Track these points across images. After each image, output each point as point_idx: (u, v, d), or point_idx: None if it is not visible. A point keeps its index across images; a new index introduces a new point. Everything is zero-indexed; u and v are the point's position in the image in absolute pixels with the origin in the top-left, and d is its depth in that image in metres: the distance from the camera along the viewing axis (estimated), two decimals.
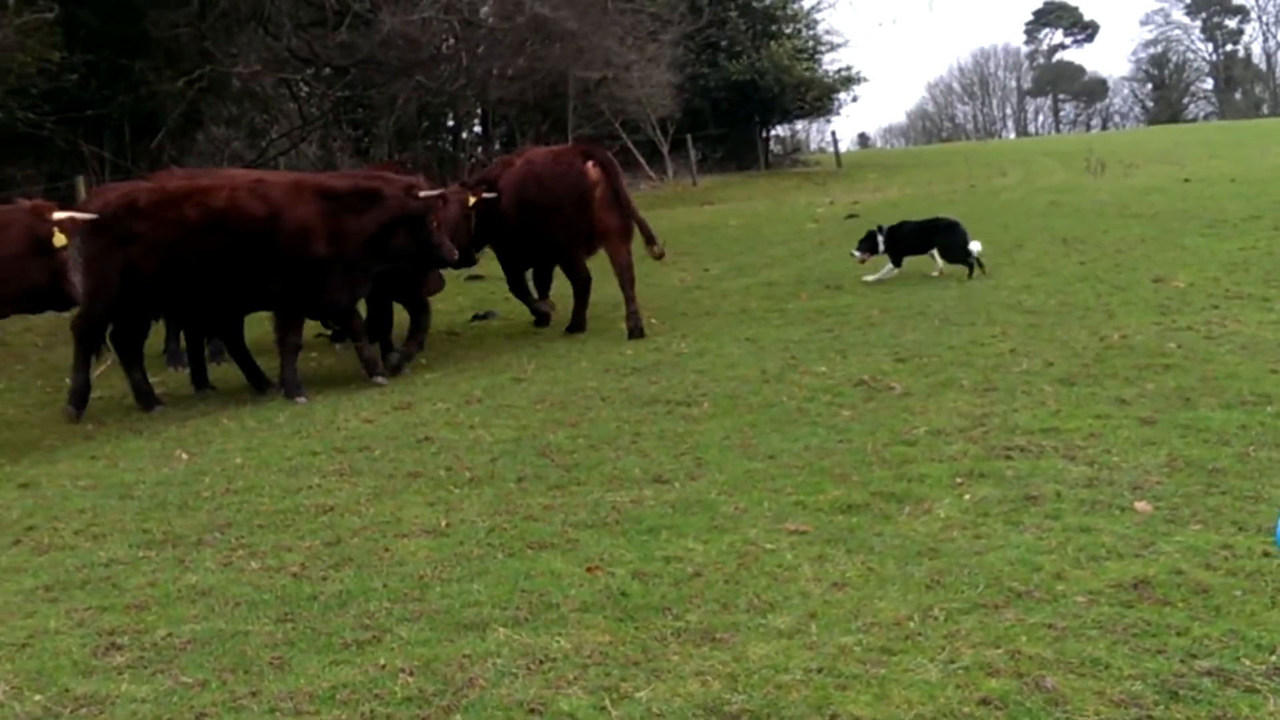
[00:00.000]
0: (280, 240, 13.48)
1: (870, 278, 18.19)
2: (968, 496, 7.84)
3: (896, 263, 18.38)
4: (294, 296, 13.83)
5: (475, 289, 22.27)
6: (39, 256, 12.21)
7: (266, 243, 13.46)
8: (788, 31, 57.49)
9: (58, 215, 12.39)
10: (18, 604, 7.19)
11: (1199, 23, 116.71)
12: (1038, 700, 5.09)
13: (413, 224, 13.86)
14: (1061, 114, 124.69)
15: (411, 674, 5.73)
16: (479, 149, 48.86)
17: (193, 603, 6.95)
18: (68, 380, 14.12)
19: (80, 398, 13.65)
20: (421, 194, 14.00)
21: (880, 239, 18.43)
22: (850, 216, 29.00)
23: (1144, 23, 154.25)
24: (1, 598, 7.33)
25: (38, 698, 5.80)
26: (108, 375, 16.02)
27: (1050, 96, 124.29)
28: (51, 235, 12.25)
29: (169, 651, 6.25)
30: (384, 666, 5.83)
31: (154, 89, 28.19)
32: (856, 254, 18.61)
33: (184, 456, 10.74)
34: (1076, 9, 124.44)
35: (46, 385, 16.14)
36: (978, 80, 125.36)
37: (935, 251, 18.18)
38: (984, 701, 5.10)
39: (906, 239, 18.43)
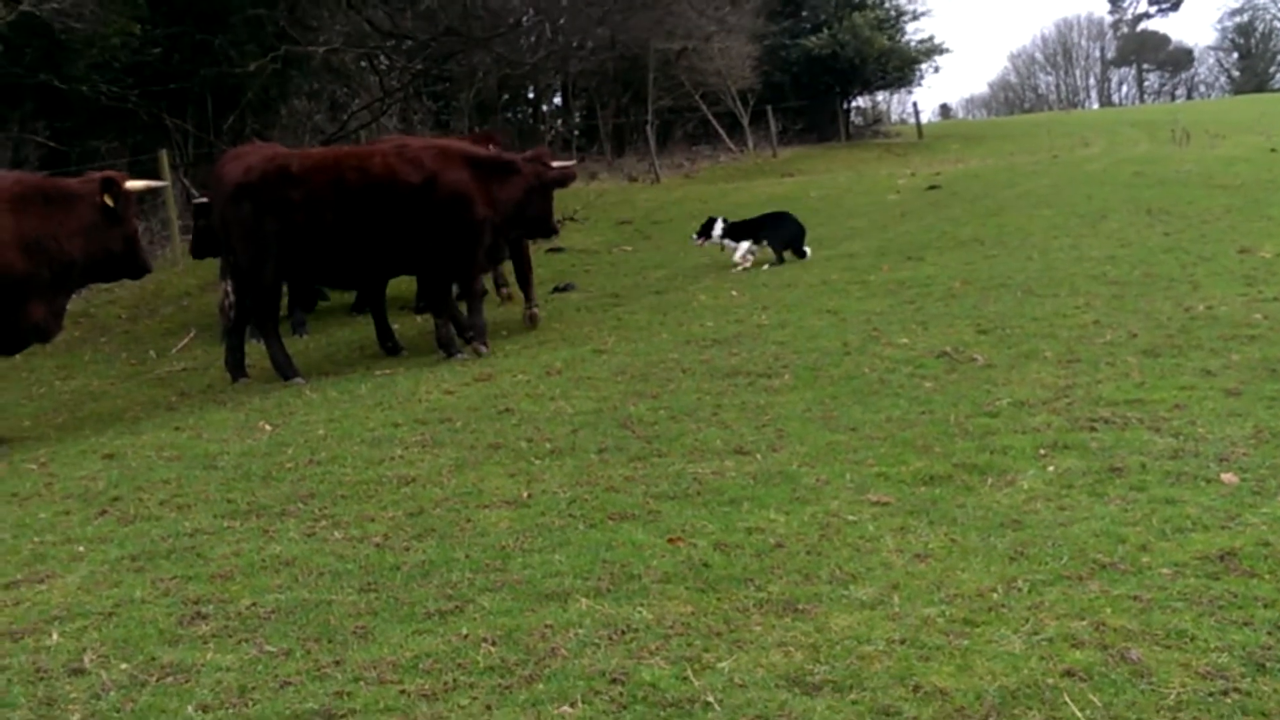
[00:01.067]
0: (440, 204, 13.66)
1: (740, 269, 19.30)
2: (1051, 468, 7.79)
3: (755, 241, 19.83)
4: (447, 260, 13.99)
5: (555, 261, 22.31)
6: (114, 225, 12.34)
7: (425, 207, 13.64)
8: (870, 1, 57.10)
9: (130, 185, 12.51)
10: (104, 573, 7.27)
11: None
12: (1123, 672, 5.05)
13: (545, 194, 14.43)
14: (1146, 84, 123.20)
15: (494, 643, 5.75)
16: (559, 121, 48.84)
17: (276, 572, 7.00)
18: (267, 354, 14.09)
19: (287, 369, 13.80)
20: (554, 165, 14.54)
21: (718, 227, 19.90)
22: (932, 188, 28.83)
23: None
24: (88, 567, 7.41)
25: (124, 666, 5.86)
26: (190, 347, 16.18)
27: (1134, 66, 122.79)
28: (117, 201, 12.39)
29: (253, 621, 6.31)
30: (466, 636, 5.86)
31: (236, 64, 28.32)
32: (722, 241, 19.87)
33: (267, 428, 10.81)
34: None
35: (130, 358, 16.33)
36: (1061, 50, 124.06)
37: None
38: (1068, 673, 5.07)
39: (744, 228, 19.95)
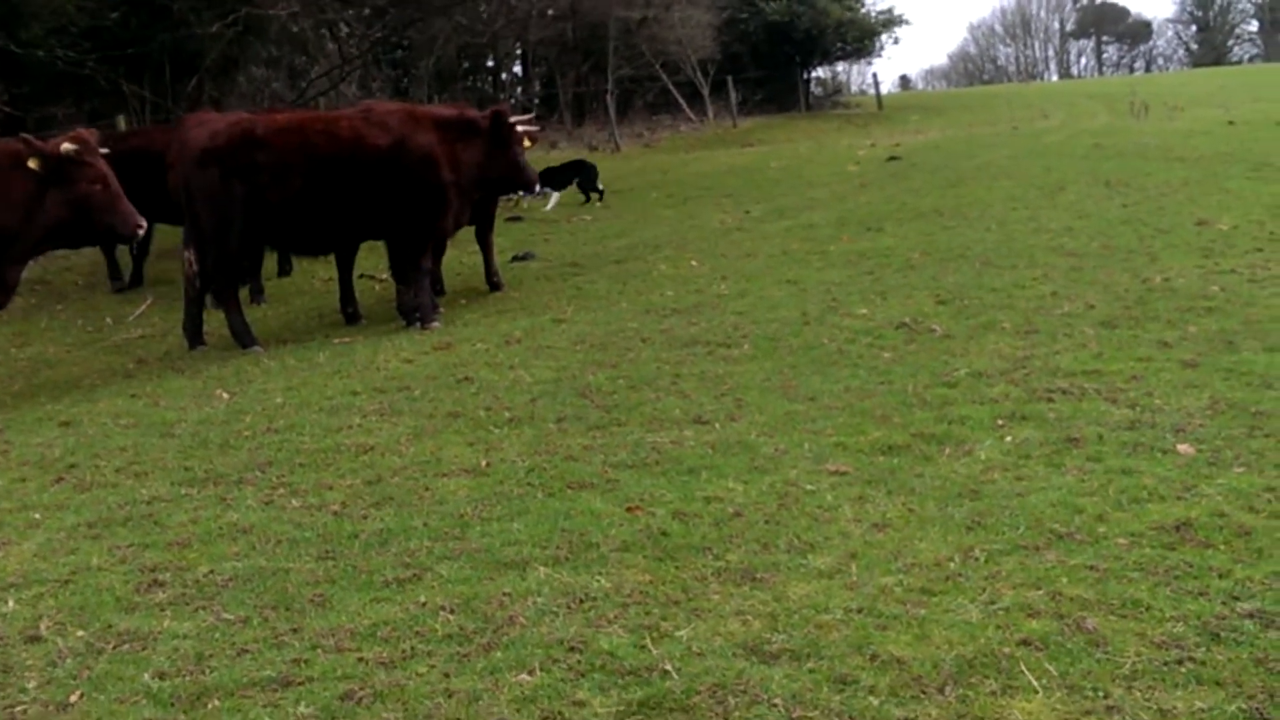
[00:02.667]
0: (407, 167, 13.61)
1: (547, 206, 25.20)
2: (1009, 438, 7.82)
3: (558, 189, 25.70)
4: (415, 223, 13.89)
5: (515, 230, 22.27)
6: (54, 190, 11.86)
7: (393, 170, 13.58)
8: None
9: (65, 146, 11.99)
10: (60, 541, 7.24)
11: None
12: (1079, 641, 5.08)
13: (506, 150, 14.33)
14: (1104, 56, 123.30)
15: (452, 611, 5.75)
16: (519, 90, 48.75)
17: (234, 540, 6.99)
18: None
19: (246, 337, 13.56)
20: (513, 120, 14.41)
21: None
22: (892, 159, 28.85)
23: None
24: (44, 535, 7.38)
25: (81, 633, 5.85)
26: (147, 314, 16.10)
27: (1093, 38, 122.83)
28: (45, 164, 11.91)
29: (210, 588, 6.30)
30: (424, 604, 5.86)
31: (194, 29, 28.14)
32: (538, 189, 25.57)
33: (225, 396, 10.77)
34: None
35: (87, 325, 16.22)
36: (1020, 22, 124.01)
37: (576, 184, 25.80)
38: (1024, 642, 5.09)
39: (556, 176, 25.48)
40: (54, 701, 5.20)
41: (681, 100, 50.17)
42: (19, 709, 5.17)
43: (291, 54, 37.14)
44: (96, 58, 26.07)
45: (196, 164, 13.36)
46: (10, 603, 6.30)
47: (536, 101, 47.87)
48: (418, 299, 13.78)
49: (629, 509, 7.01)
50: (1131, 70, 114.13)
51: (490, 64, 49.80)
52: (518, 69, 51.06)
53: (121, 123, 24.20)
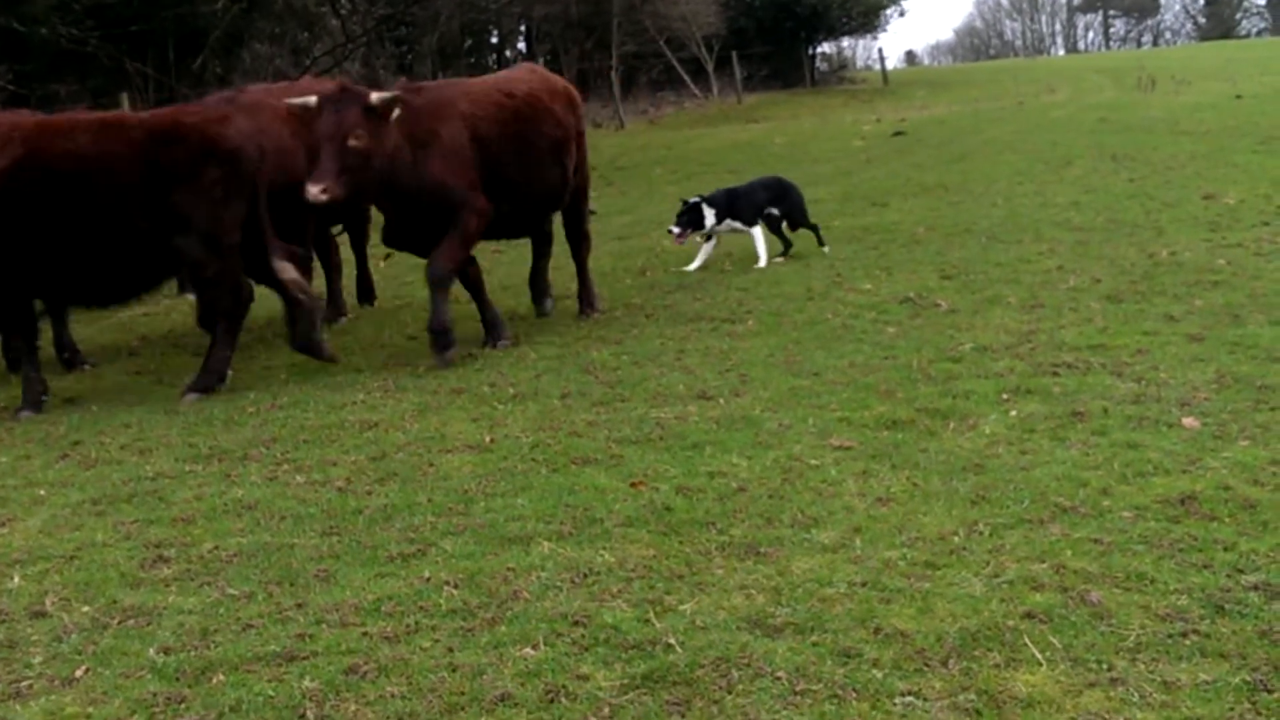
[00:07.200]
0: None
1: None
2: (1014, 413, 7.81)
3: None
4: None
5: None
6: None
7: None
8: None
9: None
10: (66, 517, 7.25)
11: None
12: (1083, 614, 5.08)
13: None
14: (1112, 30, 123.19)
15: (456, 586, 5.75)
16: None
17: (239, 516, 6.99)
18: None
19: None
20: None
21: None
22: (897, 134, 28.84)
23: None
24: (50, 511, 7.38)
25: (86, 609, 5.85)
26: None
27: (1100, 13, 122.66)
28: None
29: (215, 564, 6.30)
30: (429, 579, 5.86)
31: (197, 5, 28.08)
32: None
33: (229, 373, 10.76)
34: None
35: None
36: None
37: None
38: (1028, 615, 5.09)
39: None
40: (59, 676, 5.20)
41: (686, 77, 50.14)
42: (25, 684, 5.17)
43: (296, 30, 37.08)
44: (100, 35, 26.03)
45: None
46: (16, 578, 6.31)
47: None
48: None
49: (633, 484, 7.01)
50: (1139, 45, 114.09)
51: (494, 40, 49.75)
52: (521, 45, 51.00)
53: (125, 101, 24.12)
